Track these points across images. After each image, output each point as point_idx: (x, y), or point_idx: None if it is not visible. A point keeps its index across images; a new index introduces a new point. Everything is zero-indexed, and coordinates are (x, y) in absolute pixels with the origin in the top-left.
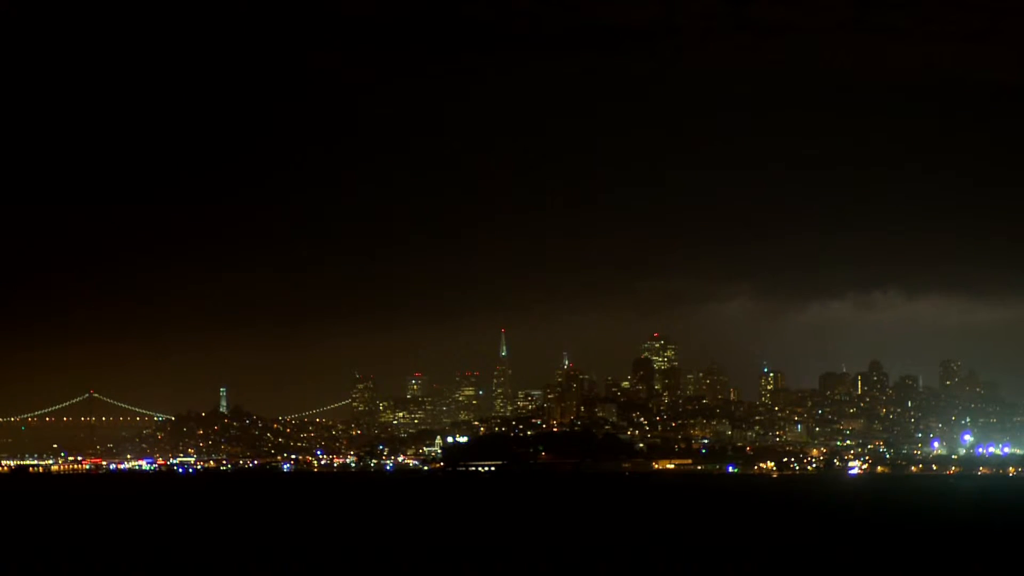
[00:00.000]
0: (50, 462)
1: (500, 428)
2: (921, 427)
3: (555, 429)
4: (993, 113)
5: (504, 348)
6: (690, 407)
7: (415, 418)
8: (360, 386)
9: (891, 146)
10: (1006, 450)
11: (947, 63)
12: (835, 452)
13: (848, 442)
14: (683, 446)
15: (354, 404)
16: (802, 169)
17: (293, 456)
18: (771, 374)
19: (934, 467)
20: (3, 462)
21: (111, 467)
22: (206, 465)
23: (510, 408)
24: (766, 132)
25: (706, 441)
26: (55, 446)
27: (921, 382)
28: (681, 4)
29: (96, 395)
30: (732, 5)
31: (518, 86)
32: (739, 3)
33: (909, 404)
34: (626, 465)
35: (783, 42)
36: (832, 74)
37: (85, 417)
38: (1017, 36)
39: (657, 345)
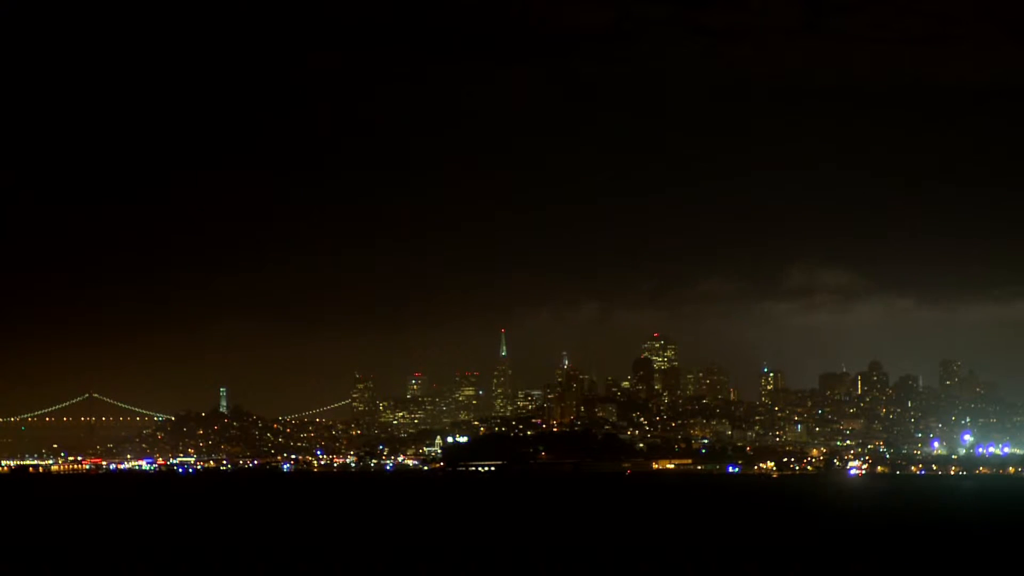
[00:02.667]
0: (50, 462)
1: (500, 428)
2: (921, 427)
3: (555, 429)
4: (958, 114)
5: (504, 348)
6: (690, 407)
7: (415, 418)
8: (360, 386)
9: (873, 148)
10: (1006, 450)
11: (900, 66)
12: (835, 452)
13: (848, 442)
14: (683, 446)
15: (354, 404)
16: (788, 171)
17: (293, 456)
18: (771, 374)
19: (934, 467)
20: (3, 462)
21: (111, 467)
22: (206, 465)
23: (510, 408)
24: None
25: (706, 441)
26: (55, 446)
27: (921, 382)
28: (634, 10)
29: (96, 395)
30: (684, 10)
31: (513, 88)
32: (691, 8)
33: (909, 404)
34: (626, 465)
35: (735, 47)
36: (786, 76)
37: (85, 417)
38: (966, 40)
39: (657, 345)
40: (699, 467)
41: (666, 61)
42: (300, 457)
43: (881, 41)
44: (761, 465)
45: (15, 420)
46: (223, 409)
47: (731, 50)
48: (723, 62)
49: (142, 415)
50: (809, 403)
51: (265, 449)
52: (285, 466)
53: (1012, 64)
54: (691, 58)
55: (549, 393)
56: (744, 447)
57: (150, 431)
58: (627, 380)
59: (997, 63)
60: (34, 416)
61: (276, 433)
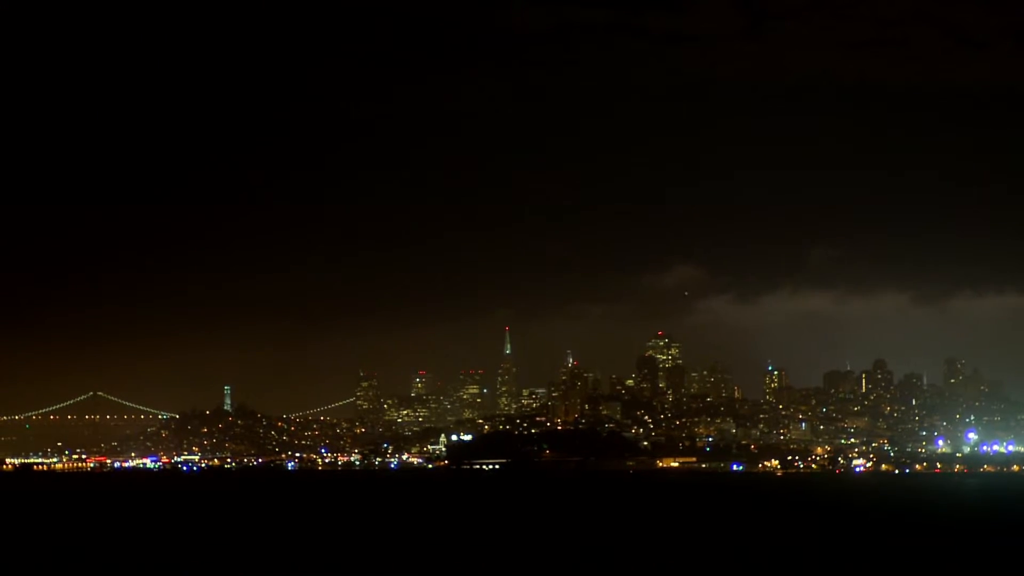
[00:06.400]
0: (54, 460)
1: (504, 426)
2: (925, 425)
3: (559, 427)
4: (918, 112)
5: (508, 346)
6: (694, 405)
7: (419, 416)
8: (364, 384)
9: (872, 147)
10: (1010, 448)
11: (842, 69)
12: (839, 450)
13: (852, 440)
14: (687, 444)
15: (358, 402)
16: (775, 171)
17: (297, 454)
18: (775, 372)
19: (938, 465)
20: (8, 460)
21: (115, 465)
22: (210, 463)
23: (514, 406)
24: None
25: (710, 439)
26: (59, 444)
27: (925, 380)
28: (577, 13)
29: (100, 393)
30: (628, 14)
31: (511, 88)
32: (635, 12)
33: (913, 402)
34: (630, 463)
35: (679, 50)
36: (730, 79)
37: (89, 415)
38: (904, 43)
39: (661, 343)
40: (703, 465)
41: (611, 64)
42: (304, 455)
43: (824, 45)
44: (765, 463)
45: (20, 418)
46: (227, 407)
47: (673, 55)
48: (666, 66)
49: (146, 413)
50: (813, 401)
51: (269, 447)
52: (289, 464)
53: (952, 65)
54: (636, 61)
55: (553, 391)
56: (748, 445)
57: (154, 429)
58: (631, 378)
59: (938, 64)
60: (39, 414)
61: (280, 431)
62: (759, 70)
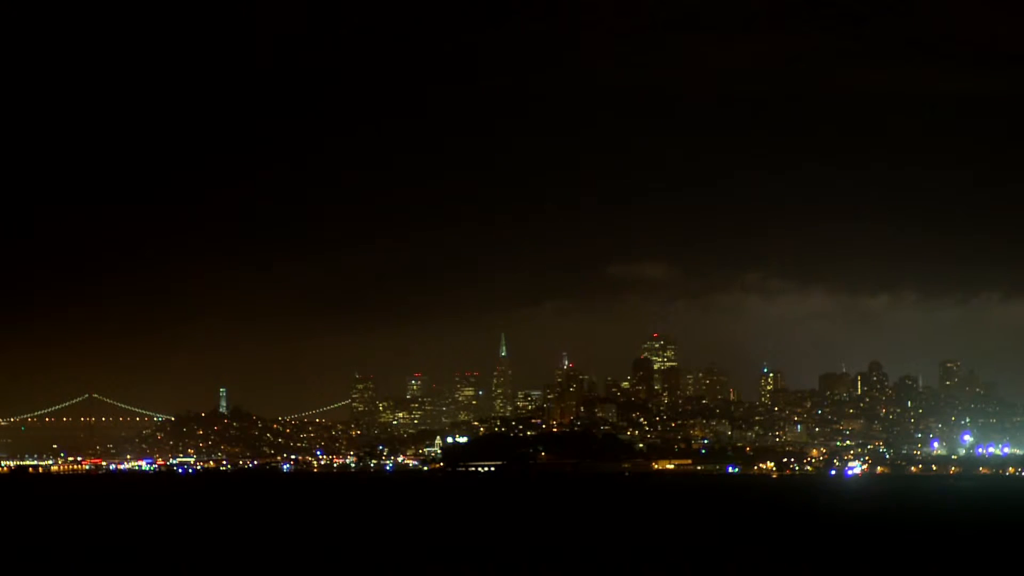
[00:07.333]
0: (50, 462)
1: (500, 428)
2: (921, 427)
3: (555, 429)
4: (922, 114)
5: (504, 348)
6: (690, 407)
7: (415, 418)
8: (360, 386)
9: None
10: (1006, 450)
11: (846, 69)
12: (835, 452)
13: (848, 442)
14: (683, 446)
15: (354, 404)
16: (773, 172)
17: (293, 456)
18: (771, 374)
19: (934, 467)
20: (3, 462)
21: (111, 467)
22: (206, 465)
23: (510, 408)
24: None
25: (706, 441)
26: (55, 446)
27: (921, 382)
28: (577, 17)
29: (96, 395)
30: (628, 14)
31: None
32: (635, 12)
33: (909, 404)
34: (626, 465)
35: (680, 41)
36: (730, 79)
37: (85, 417)
38: (905, 45)
39: (657, 345)
40: (699, 467)
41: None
42: (300, 457)
43: (824, 47)
44: (761, 465)
45: (15, 420)
46: (223, 409)
47: (673, 53)
48: (666, 66)
49: (142, 415)
50: (809, 403)
51: (265, 449)
52: (285, 466)
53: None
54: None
55: (549, 393)
56: (744, 447)
57: (150, 431)
58: (627, 380)
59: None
60: (34, 416)
61: (276, 433)
62: (759, 69)
